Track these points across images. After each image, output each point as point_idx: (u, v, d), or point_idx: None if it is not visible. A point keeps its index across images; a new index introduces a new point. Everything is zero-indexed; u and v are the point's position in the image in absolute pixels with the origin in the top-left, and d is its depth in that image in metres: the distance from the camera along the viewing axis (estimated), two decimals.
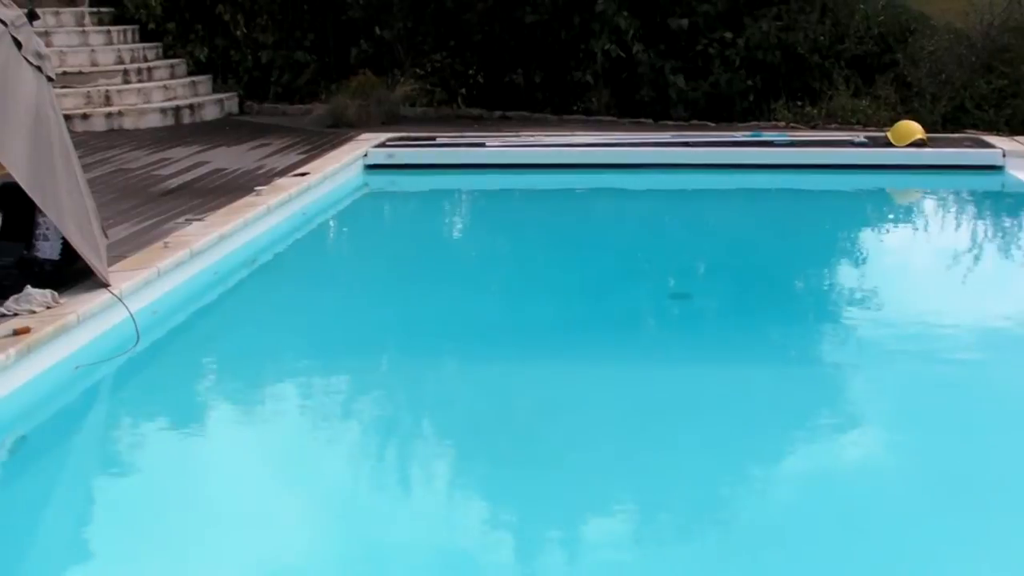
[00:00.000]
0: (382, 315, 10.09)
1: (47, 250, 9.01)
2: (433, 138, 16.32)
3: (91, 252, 8.72)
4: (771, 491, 6.89)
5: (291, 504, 6.61)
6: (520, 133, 16.75)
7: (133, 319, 8.52)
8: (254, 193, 12.38)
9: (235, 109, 20.11)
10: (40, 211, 8.83)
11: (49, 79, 9.02)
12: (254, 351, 9.20)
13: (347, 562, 6.02)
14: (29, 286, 8.39)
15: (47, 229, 9.00)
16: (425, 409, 8.21)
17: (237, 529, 6.26)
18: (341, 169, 14.36)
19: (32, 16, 8.86)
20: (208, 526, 6.32)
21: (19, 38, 8.60)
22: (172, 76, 19.88)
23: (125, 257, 9.68)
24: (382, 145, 15.73)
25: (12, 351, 7.48)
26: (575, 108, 18.99)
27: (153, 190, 13.07)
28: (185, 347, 9.29)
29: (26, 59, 8.70)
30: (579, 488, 6.73)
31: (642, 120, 18.39)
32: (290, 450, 7.47)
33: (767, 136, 16.15)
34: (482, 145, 15.69)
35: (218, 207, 11.74)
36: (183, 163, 14.90)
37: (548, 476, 6.85)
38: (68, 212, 8.65)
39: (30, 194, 8.37)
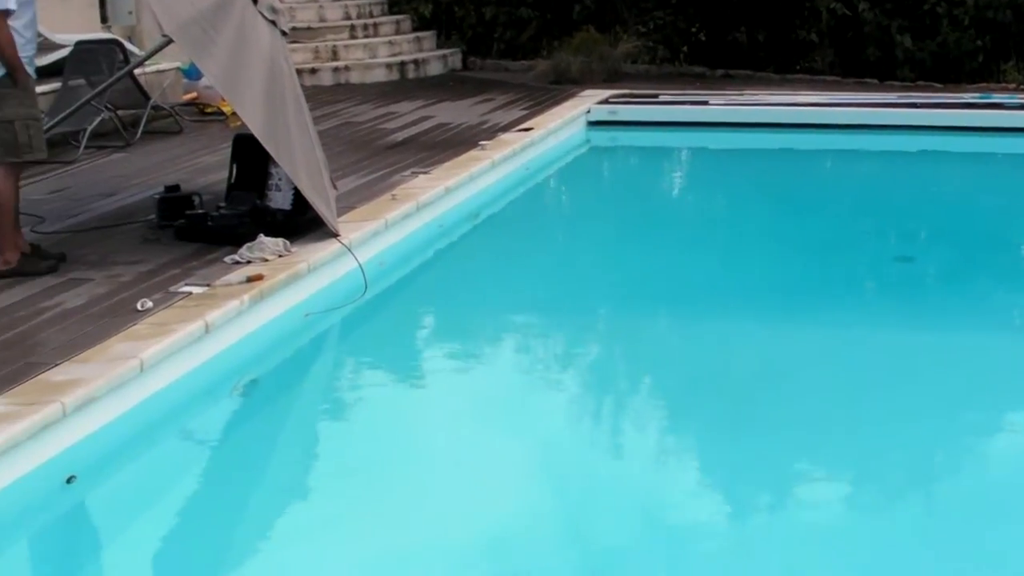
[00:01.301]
0: (600, 271, 10.12)
1: (279, 200, 9.23)
2: (656, 95, 16.24)
3: (322, 203, 8.91)
4: (987, 462, 6.74)
5: (503, 456, 6.68)
6: (743, 92, 16.57)
7: (361, 269, 8.67)
8: (478, 147, 12.49)
9: (458, 65, 20.25)
10: (273, 162, 9.04)
11: (283, 33, 9.23)
12: (476, 304, 9.30)
13: (556, 515, 6.05)
14: (262, 234, 8.61)
15: (279, 179, 9.22)
16: (639, 368, 8.21)
17: (451, 477, 6.36)
18: (564, 125, 14.38)
19: None
20: (424, 473, 6.43)
21: None
22: (397, 32, 20.09)
23: (354, 208, 9.87)
24: (605, 102, 15.69)
25: (246, 297, 7.70)
26: (798, 67, 18.69)
27: (379, 143, 13.27)
28: (410, 298, 9.45)
29: (262, 14, 8.92)
30: (791, 452, 6.65)
31: (867, 80, 17.96)
32: (505, 403, 7.55)
33: (997, 98, 15.68)
34: (705, 103, 15.57)
35: (443, 160, 11.88)
36: (408, 117, 15.09)
37: (761, 439, 6.78)
38: (300, 163, 8.85)
39: (264, 145, 8.58)
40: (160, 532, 5.96)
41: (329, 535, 5.80)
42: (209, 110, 15.30)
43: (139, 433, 6.69)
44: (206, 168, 11.75)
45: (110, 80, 11.67)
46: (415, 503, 6.08)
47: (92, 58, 13.18)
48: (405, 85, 18.45)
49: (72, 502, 6.15)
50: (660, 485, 6.40)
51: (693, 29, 19.35)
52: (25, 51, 8.22)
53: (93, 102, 11.90)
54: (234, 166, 9.64)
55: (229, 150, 9.89)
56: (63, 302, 7.81)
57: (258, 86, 8.68)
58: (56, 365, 6.63)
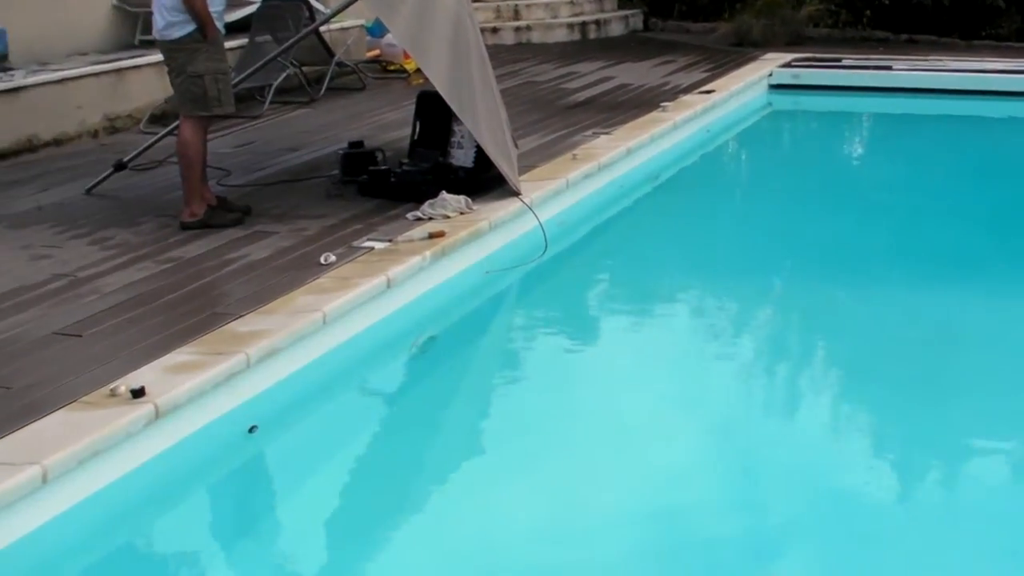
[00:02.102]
0: (777, 236, 9.93)
1: (461, 157, 9.24)
2: (839, 59, 15.94)
3: (504, 161, 8.90)
4: None
5: (675, 418, 6.62)
6: (927, 57, 16.16)
7: (542, 228, 8.63)
8: (660, 109, 12.36)
9: (639, 26, 20.11)
10: (456, 119, 9.05)
11: None
12: (653, 267, 9.25)
13: (723, 482, 5.96)
14: (444, 191, 8.64)
15: (462, 137, 9.23)
16: (814, 334, 8.06)
17: (622, 438, 6.30)
18: (746, 88, 14.19)
19: None
20: (594, 433, 6.39)
21: None
22: None
23: (535, 167, 9.85)
24: (787, 65, 15.43)
25: (428, 253, 7.73)
26: (984, 33, 18.15)
27: (560, 103, 13.23)
28: (589, 259, 9.43)
29: None
30: (967, 424, 6.46)
31: None
32: (678, 366, 7.47)
33: None
34: (888, 68, 15.22)
35: (624, 121, 11.78)
36: (589, 77, 15.02)
37: (935, 410, 6.61)
38: (483, 121, 8.84)
39: (449, 103, 8.59)
40: (336, 484, 6.04)
41: (500, 491, 5.80)
42: (392, 67, 15.42)
43: (319, 385, 6.76)
44: (388, 125, 11.83)
45: (297, 37, 11.80)
46: (585, 463, 6.05)
47: (279, 15, 13.35)
48: (586, 45, 18.39)
49: (254, 451, 6.23)
50: (831, 454, 6.26)
51: None
52: (215, 7, 8.34)
53: (279, 58, 12.05)
54: (417, 123, 9.69)
55: (412, 107, 9.95)
56: (248, 254, 7.93)
57: (443, 44, 8.68)
58: (241, 316, 6.73)
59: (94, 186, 9.83)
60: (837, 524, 5.49)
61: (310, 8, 13.52)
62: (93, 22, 13.55)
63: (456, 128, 9.25)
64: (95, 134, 12.08)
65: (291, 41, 11.79)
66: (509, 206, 8.74)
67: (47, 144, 11.62)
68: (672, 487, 5.83)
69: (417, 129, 9.69)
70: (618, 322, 8.37)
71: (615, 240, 9.93)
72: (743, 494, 5.83)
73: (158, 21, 8.37)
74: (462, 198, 8.61)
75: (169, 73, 8.57)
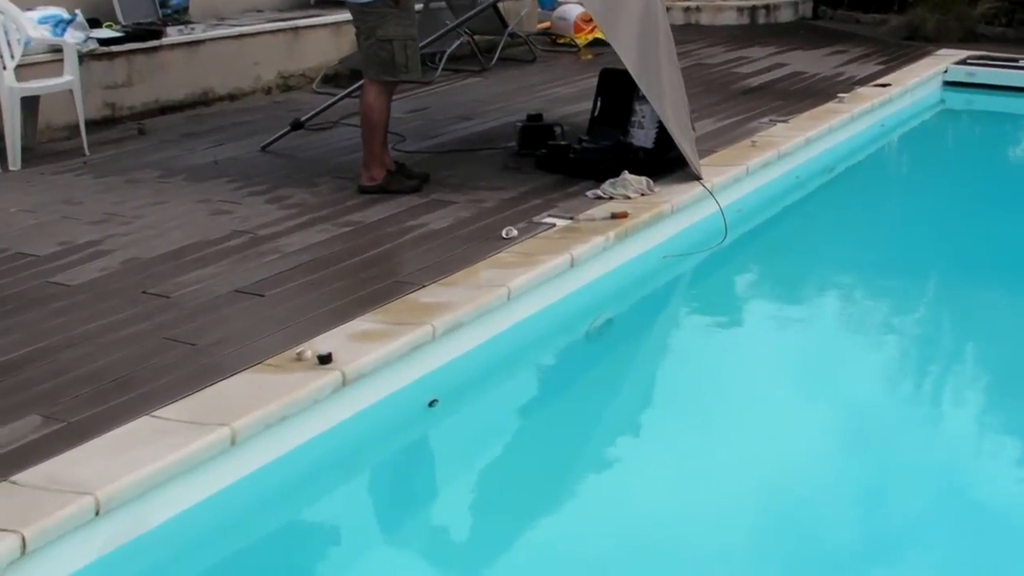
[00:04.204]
0: (945, 238, 9.67)
1: (641, 138, 9.09)
2: (1015, 60, 15.49)
3: (686, 143, 8.74)
4: None
5: (819, 416, 6.45)
6: None
7: (723, 215, 8.47)
8: (836, 100, 12.12)
9: (808, 13, 19.81)
10: (637, 98, 8.92)
11: None
12: (825, 260, 9.05)
13: (860, 479, 5.79)
14: (626, 171, 8.50)
15: (643, 117, 9.07)
16: (968, 340, 7.81)
17: (781, 429, 6.16)
18: (920, 84, 13.85)
19: None
20: (758, 422, 6.26)
21: None
22: None
23: (713, 152, 9.66)
24: (962, 62, 15.04)
25: (611, 234, 7.61)
26: None
27: (734, 87, 13.03)
28: (765, 248, 9.24)
29: None
30: None
31: None
32: (847, 360, 7.27)
33: None
34: None
35: (800, 110, 11.54)
36: (761, 63, 14.79)
37: None
38: (668, 102, 8.69)
39: (637, 81, 8.45)
40: (509, 460, 6.01)
41: (665, 475, 5.72)
42: (562, 40, 15.34)
43: (499, 361, 6.70)
44: (560, 99, 11.74)
45: (479, 8, 11.76)
46: (751, 451, 5.92)
47: None
48: (755, 30, 18.19)
49: (433, 424, 6.16)
50: (968, 463, 6.05)
51: None
52: None
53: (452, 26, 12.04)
54: (598, 100, 9.54)
55: (583, 82, 9.89)
56: (428, 223, 7.87)
57: (633, 19, 8.53)
58: (424, 286, 6.66)
59: (270, 143, 9.89)
60: (961, 535, 5.30)
61: None
62: None
63: (637, 107, 9.10)
64: (268, 91, 12.17)
65: (476, 11, 11.76)
66: (690, 190, 8.58)
67: (221, 98, 11.75)
68: (800, 481, 5.70)
69: (598, 106, 9.54)
70: (792, 314, 8.18)
71: (791, 231, 9.71)
72: (869, 496, 5.65)
73: None
74: (644, 179, 8.47)
75: (357, 36, 8.54)
